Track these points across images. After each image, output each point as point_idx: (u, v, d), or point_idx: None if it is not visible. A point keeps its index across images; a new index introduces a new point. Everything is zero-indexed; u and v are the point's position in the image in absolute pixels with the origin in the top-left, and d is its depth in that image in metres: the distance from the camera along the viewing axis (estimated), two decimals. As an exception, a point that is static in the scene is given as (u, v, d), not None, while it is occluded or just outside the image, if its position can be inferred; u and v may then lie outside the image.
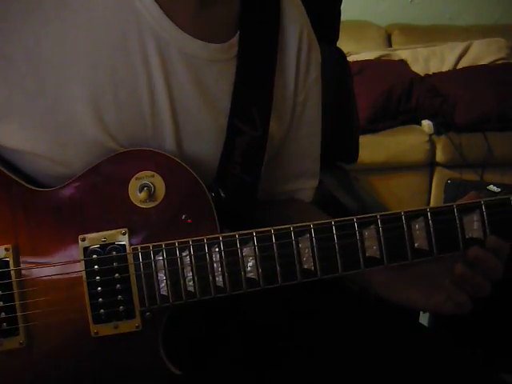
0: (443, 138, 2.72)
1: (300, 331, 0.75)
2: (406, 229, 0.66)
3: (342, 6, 1.34)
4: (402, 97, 2.79)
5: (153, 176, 0.66)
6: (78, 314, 0.64)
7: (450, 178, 2.34)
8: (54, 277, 0.64)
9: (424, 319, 1.56)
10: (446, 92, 2.82)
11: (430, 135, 2.74)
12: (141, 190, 0.65)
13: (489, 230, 0.66)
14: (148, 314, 0.65)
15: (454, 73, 3.04)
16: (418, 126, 2.80)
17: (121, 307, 0.65)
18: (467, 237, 0.66)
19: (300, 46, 0.81)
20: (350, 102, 1.39)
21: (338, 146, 1.36)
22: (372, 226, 0.65)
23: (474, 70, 3.00)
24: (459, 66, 3.12)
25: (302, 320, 0.76)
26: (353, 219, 0.65)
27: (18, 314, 0.64)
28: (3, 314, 0.64)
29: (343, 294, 0.80)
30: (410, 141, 2.71)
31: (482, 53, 3.15)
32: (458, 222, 0.66)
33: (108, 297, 0.64)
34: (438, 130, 2.74)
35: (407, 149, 2.69)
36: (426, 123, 2.78)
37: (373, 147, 2.59)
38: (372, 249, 0.65)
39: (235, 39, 0.75)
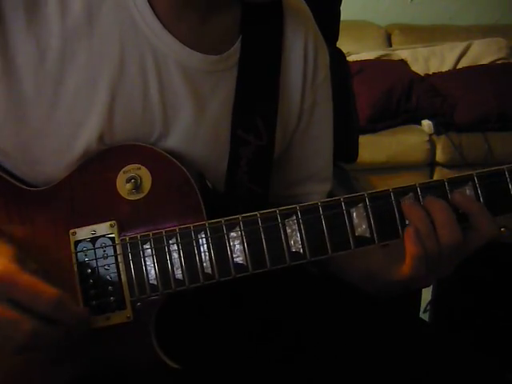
0: (443, 137, 2.72)
1: (301, 325, 0.74)
2: (395, 206, 0.65)
3: (342, 6, 1.34)
4: (402, 97, 2.79)
5: (139, 168, 0.67)
6: None
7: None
8: (47, 271, 0.65)
9: (424, 318, 1.56)
10: (445, 92, 2.82)
11: (430, 135, 2.74)
12: (128, 182, 0.67)
13: (483, 202, 0.64)
14: (139, 304, 0.65)
15: (454, 73, 3.04)
16: (417, 126, 2.80)
17: (111, 298, 0.66)
18: (460, 211, 0.65)
19: (306, 52, 0.79)
20: (349, 101, 1.40)
21: (338, 145, 1.36)
22: (360, 205, 0.65)
23: (474, 70, 3.00)
24: (459, 66, 3.12)
25: (303, 314, 0.76)
26: (340, 199, 0.65)
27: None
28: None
29: (345, 290, 0.80)
30: (410, 141, 2.71)
31: (482, 53, 3.15)
32: (449, 196, 0.65)
33: (99, 288, 0.66)
34: (438, 129, 2.74)
35: (407, 149, 2.69)
36: (426, 123, 2.78)
37: (373, 147, 2.59)
38: (361, 228, 0.65)
39: (235, 48, 0.74)
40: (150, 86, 0.69)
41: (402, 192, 0.65)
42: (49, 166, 0.68)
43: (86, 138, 0.67)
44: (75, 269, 0.66)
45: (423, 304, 1.55)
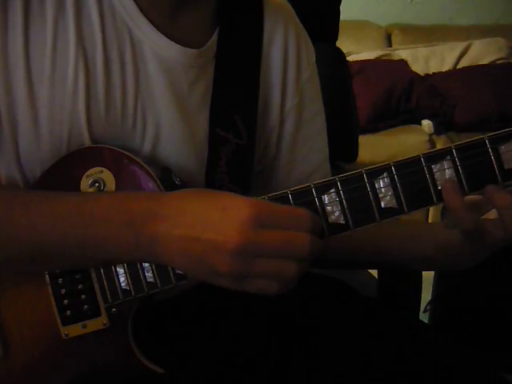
0: (443, 137, 2.73)
1: (297, 325, 0.74)
2: (427, 172, 0.61)
3: (342, 6, 1.34)
4: (402, 97, 2.79)
5: (102, 172, 0.65)
6: (47, 317, 0.64)
7: (449, 178, 2.34)
8: (18, 282, 0.65)
9: (424, 318, 1.56)
10: (445, 92, 2.82)
11: (430, 135, 2.74)
12: (91, 186, 0.65)
13: (464, 176, 0.61)
14: (114, 310, 0.64)
15: (454, 73, 3.05)
16: (417, 126, 2.81)
17: (85, 306, 0.64)
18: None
19: (286, 48, 0.76)
20: (349, 101, 1.40)
21: (337, 145, 1.36)
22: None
23: (474, 70, 3.00)
24: (459, 66, 3.12)
25: (300, 314, 0.75)
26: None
27: None
28: None
29: (343, 293, 0.80)
30: (410, 140, 2.71)
31: (482, 53, 3.15)
32: (426, 172, 0.61)
33: (72, 298, 0.64)
34: (438, 129, 2.74)
35: (407, 149, 2.69)
36: (426, 123, 2.78)
37: (373, 147, 2.59)
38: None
39: (212, 41, 0.72)
40: (127, 72, 0.67)
41: (375, 173, 0.62)
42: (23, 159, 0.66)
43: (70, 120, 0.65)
44: (47, 280, 0.64)
45: (423, 304, 1.55)
